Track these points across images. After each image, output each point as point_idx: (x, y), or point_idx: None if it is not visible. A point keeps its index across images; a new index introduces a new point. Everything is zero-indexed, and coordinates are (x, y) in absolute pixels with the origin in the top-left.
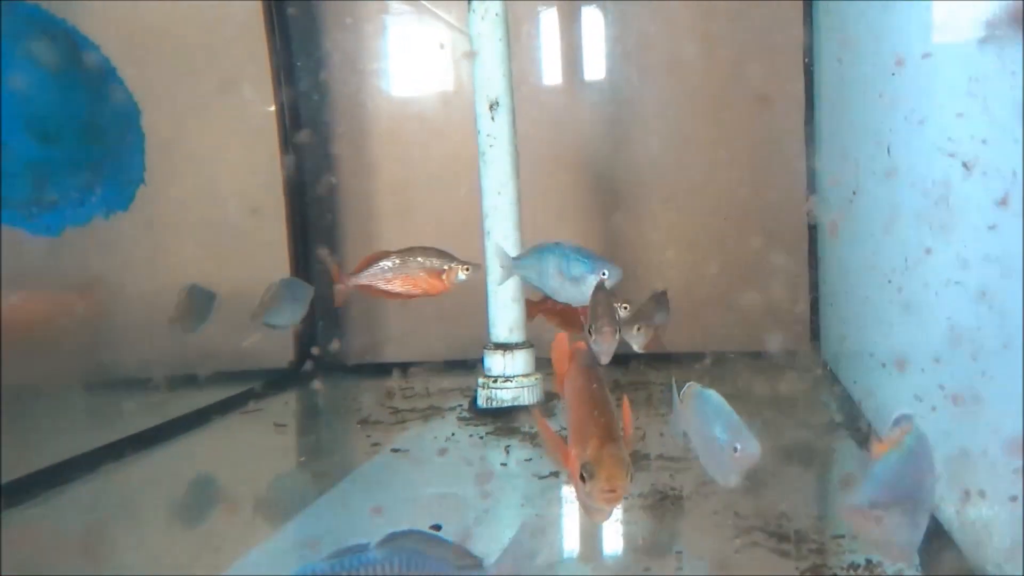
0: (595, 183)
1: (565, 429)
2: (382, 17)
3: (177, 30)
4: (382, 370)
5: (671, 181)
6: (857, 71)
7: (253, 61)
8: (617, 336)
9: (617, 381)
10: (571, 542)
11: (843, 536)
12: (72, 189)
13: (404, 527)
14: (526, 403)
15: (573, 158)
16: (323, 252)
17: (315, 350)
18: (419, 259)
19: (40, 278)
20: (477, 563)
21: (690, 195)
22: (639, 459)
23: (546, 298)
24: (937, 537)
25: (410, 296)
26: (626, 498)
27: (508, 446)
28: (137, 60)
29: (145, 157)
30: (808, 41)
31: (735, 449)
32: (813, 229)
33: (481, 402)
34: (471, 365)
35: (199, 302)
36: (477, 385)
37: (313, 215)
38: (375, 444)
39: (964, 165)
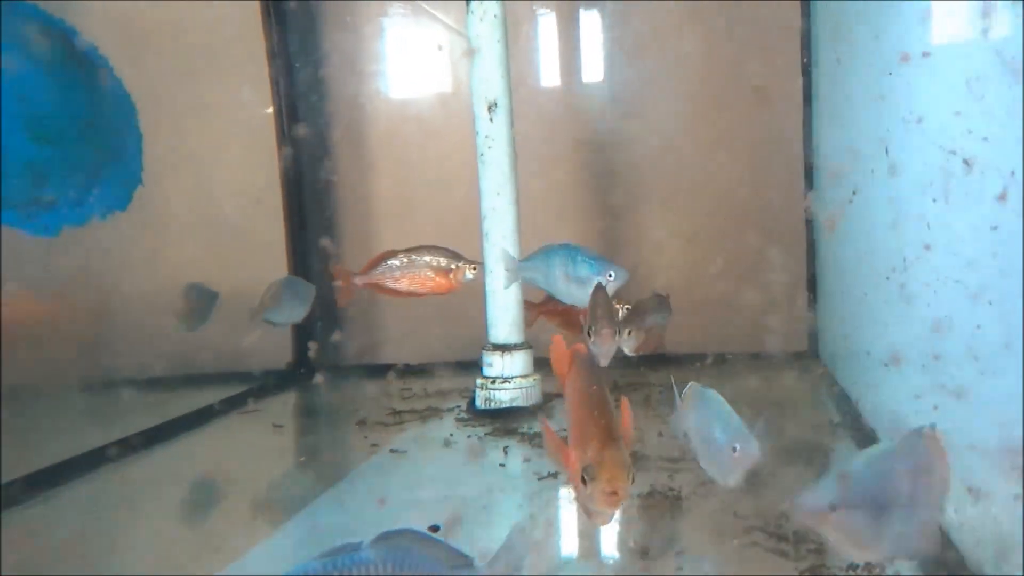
0: (593, 184)
1: (564, 430)
2: (380, 18)
3: (175, 30)
4: (381, 371)
5: (670, 181)
6: (856, 70)
7: (251, 62)
8: (617, 338)
9: (615, 382)
10: (569, 543)
11: None
12: (69, 189)
13: (398, 526)
14: (525, 404)
15: (571, 159)
16: (326, 242)
17: (312, 344)
18: (426, 258)
19: (38, 278)
20: (468, 563)
21: (689, 195)
22: (637, 460)
23: (547, 300)
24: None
25: (417, 295)
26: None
27: (507, 447)
28: (135, 60)
29: (143, 157)
30: (806, 39)
31: (734, 449)
32: (812, 229)
33: (479, 403)
34: (470, 366)
35: (200, 301)
36: (475, 386)
37: (311, 216)
38: (373, 445)
39: (965, 162)
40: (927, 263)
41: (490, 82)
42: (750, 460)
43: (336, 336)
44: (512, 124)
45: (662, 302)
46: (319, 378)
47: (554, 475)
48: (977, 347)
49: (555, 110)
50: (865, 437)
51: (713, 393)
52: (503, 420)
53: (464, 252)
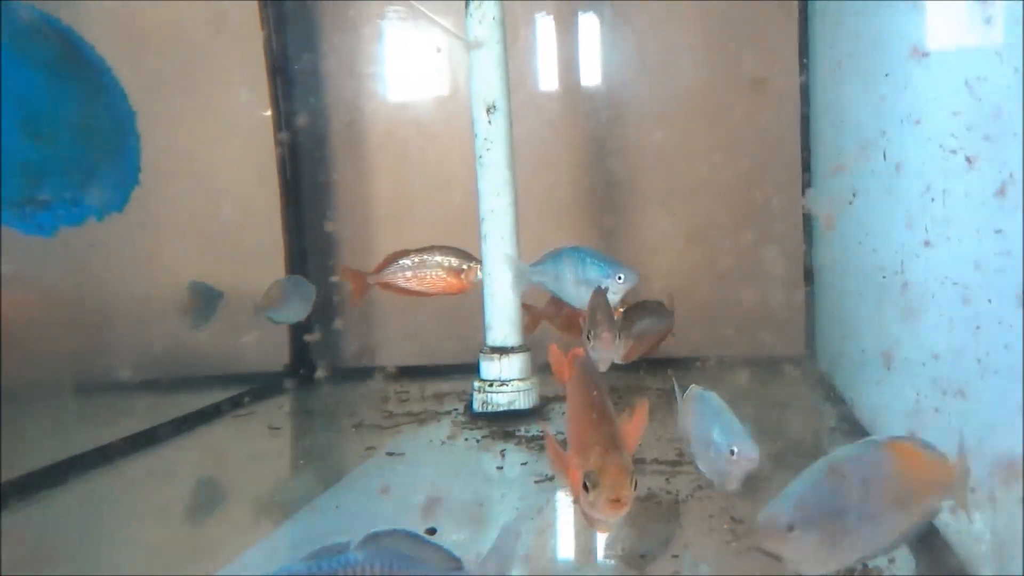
0: (592, 186)
1: (561, 433)
2: (379, 20)
3: (174, 32)
4: (378, 374)
5: (668, 183)
6: (854, 70)
7: (250, 63)
8: (617, 342)
9: (613, 386)
10: (567, 546)
11: None
12: (66, 189)
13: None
14: (522, 407)
15: (570, 161)
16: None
17: (309, 337)
18: (437, 258)
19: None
20: (458, 564)
21: (687, 197)
22: (635, 464)
23: (549, 304)
24: (932, 538)
25: (428, 295)
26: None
27: (504, 450)
28: (133, 61)
29: (140, 158)
30: (805, 40)
31: (732, 452)
32: (809, 231)
33: (477, 406)
34: (468, 369)
35: (202, 298)
36: (473, 389)
37: (309, 217)
38: (370, 448)
39: (967, 160)
40: (926, 264)
41: (489, 84)
42: (749, 463)
43: (334, 338)
44: (511, 126)
45: (656, 308)
46: (320, 373)
47: (551, 478)
48: (977, 348)
49: (554, 112)
50: (859, 438)
51: (713, 396)
52: (500, 423)
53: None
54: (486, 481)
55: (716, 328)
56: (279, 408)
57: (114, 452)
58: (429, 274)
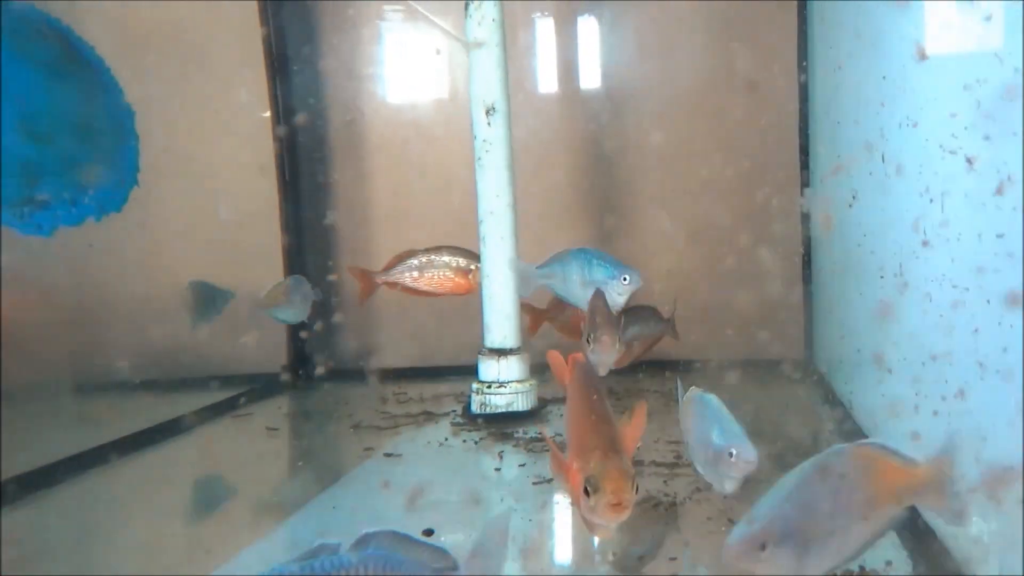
0: (591, 188)
1: (559, 434)
2: (378, 22)
3: (173, 33)
4: (376, 375)
5: (667, 186)
6: (853, 72)
7: (249, 64)
8: (617, 346)
9: (612, 389)
10: (564, 549)
11: None
12: (64, 189)
13: (377, 528)
14: (520, 409)
15: (569, 163)
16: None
17: (306, 334)
18: (445, 258)
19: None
20: (453, 564)
21: (686, 199)
22: (633, 465)
23: (552, 306)
24: (930, 541)
25: (436, 295)
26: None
27: (502, 451)
28: (133, 62)
29: (139, 158)
30: (804, 42)
31: (731, 454)
32: (809, 235)
33: (475, 408)
34: (466, 371)
35: (201, 298)
36: (471, 391)
37: (308, 217)
38: (368, 448)
39: (968, 160)
40: (925, 265)
41: (488, 86)
42: (747, 465)
43: (333, 339)
44: (510, 128)
45: (648, 314)
46: (320, 369)
47: (549, 480)
48: (975, 350)
49: (553, 113)
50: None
51: (712, 398)
52: (499, 425)
53: None
54: (484, 482)
55: (715, 330)
56: (277, 409)
57: (111, 452)
58: (436, 274)
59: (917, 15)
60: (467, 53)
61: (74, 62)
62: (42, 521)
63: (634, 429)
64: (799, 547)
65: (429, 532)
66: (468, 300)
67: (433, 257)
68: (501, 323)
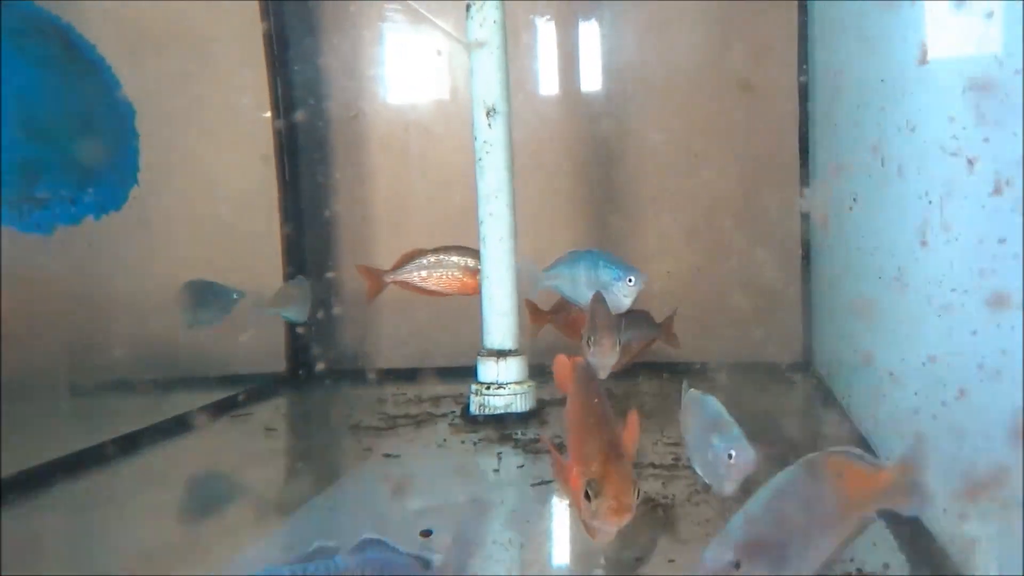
0: (590, 190)
1: (557, 437)
2: (380, 23)
3: (174, 31)
4: (375, 376)
5: (666, 190)
6: (854, 76)
7: (250, 64)
8: (617, 349)
9: (610, 391)
10: (562, 552)
11: None
12: (64, 187)
13: (376, 534)
14: (519, 410)
15: (568, 165)
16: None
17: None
18: (455, 258)
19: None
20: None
21: (685, 204)
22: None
23: (556, 308)
24: (927, 543)
25: (444, 294)
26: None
27: (500, 453)
28: (134, 60)
29: (139, 157)
30: (804, 44)
31: (730, 456)
32: (808, 238)
33: (474, 409)
34: (465, 372)
35: (198, 298)
36: (470, 392)
37: (308, 219)
38: (366, 449)
39: (969, 161)
40: (923, 268)
41: (489, 87)
42: (746, 467)
43: (332, 340)
44: (510, 129)
45: (640, 319)
46: (319, 368)
47: (547, 481)
48: (974, 352)
49: (553, 115)
50: (856, 444)
51: (711, 400)
52: (497, 426)
53: None
54: (482, 484)
55: (713, 332)
56: (276, 409)
57: (109, 451)
58: (445, 274)
59: (917, 16)
60: (468, 54)
61: (74, 60)
62: (38, 521)
63: (628, 438)
64: (773, 563)
65: (427, 533)
66: (467, 301)
67: (442, 257)
68: (500, 324)
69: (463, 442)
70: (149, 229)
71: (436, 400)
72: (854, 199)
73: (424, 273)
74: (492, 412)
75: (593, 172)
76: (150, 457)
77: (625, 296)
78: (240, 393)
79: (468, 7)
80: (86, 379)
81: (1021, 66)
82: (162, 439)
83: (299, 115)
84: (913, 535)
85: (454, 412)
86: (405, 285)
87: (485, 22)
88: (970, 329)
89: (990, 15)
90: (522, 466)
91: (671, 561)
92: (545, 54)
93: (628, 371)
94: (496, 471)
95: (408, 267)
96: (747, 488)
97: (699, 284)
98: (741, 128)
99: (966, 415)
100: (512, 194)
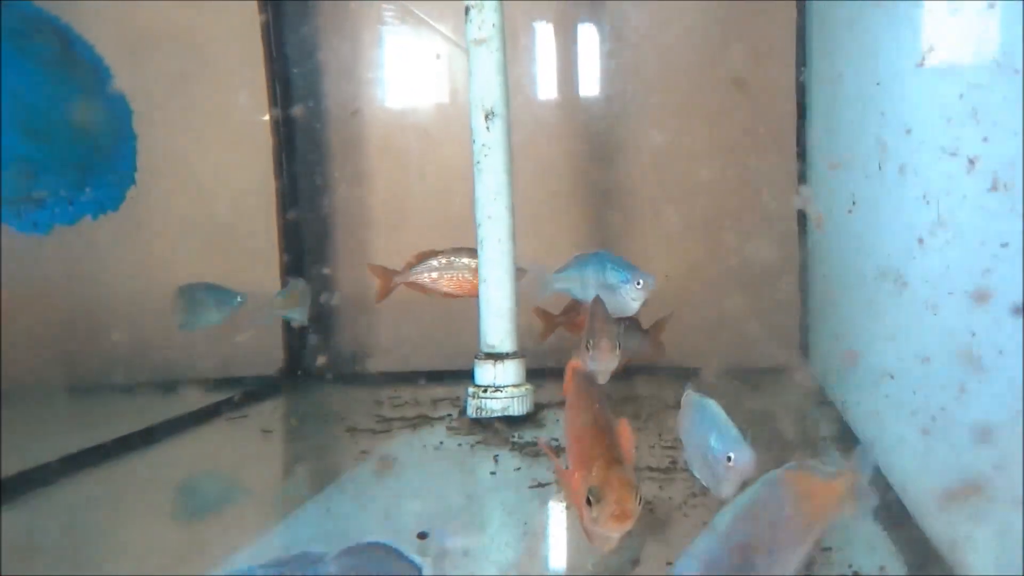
0: (589, 192)
1: (555, 440)
2: (379, 26)
3: (174, 33)
4: (372, 379)
5: (665, 190)
6: (853, 76)
7: (249, 67)
8: (616, 354)
9: (608, 394)
10: (559, 555)
11: (830, 548)
12: (61, 187)
13: (370, 538)
14: (516, 413)
15: (567, 167)
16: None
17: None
18: (465, 260)
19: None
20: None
21: (683, 208)
22: None
23: (565, 311)
24: (924, 545)
25: (454, 296)
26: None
27: (497, 455)
28: (132, 62)
29: (137, 158)
30: (803, 45)
31: (728, 458)
32: (805, 239)
33: (471, 412)
34: (462, 375)
35: (190, 301)
36: (467, 394)
37: (306, 221)
38: (363, 452)
39: (969, 161)
40: (922, 269)
41: (488, 90)
42: (745, 470)
43: (330, 342)
44: (509, 133)
45: (629, 325)
46: (316, 371)
47: (545, 484)
48: (973, 353)
49: (552, 118)
50: (852, 447)
51: (710, 402)
52: (494, 429)
53: None
54: (479, 486)
55: (710, 334)
56: (273, 411)
57: (105, 453)
58: (456, 276)
59: (917, 16)
60: (467, 57)
61: (73, 60)
62: (34, 522)
63: (622, 448)
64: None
65: (424, 535)
66: (466, 303)
67: (453, 259)
68: (498, 326)
69: (460, 445)
70: (146, 229)
71: (433, 403)
72: (853, 201)
73: (435, 275)
74: (489, 415)
75: (591, 174)
76: (146, 459)
77: (633, 299)
78: (236, 395)
79: (467, 9)
80: (82, 380)
81: (1021, 65)
82: (158, 441)
83: (298, 116)
84: (909, 537)
85: (451, 415)
86: (415, 286)
87: (484, 24)
88: (969, 330)
89: (989, 14)
90: (519, 469)
91: (669, 563)
92: (544, 57)
93: (624, 374)
94: (493, 474)
95: (419, 268)
96: (740, 491)
97: (697, 285)
98: (740, 129)
99: (965, 416)
100: (511, 197)
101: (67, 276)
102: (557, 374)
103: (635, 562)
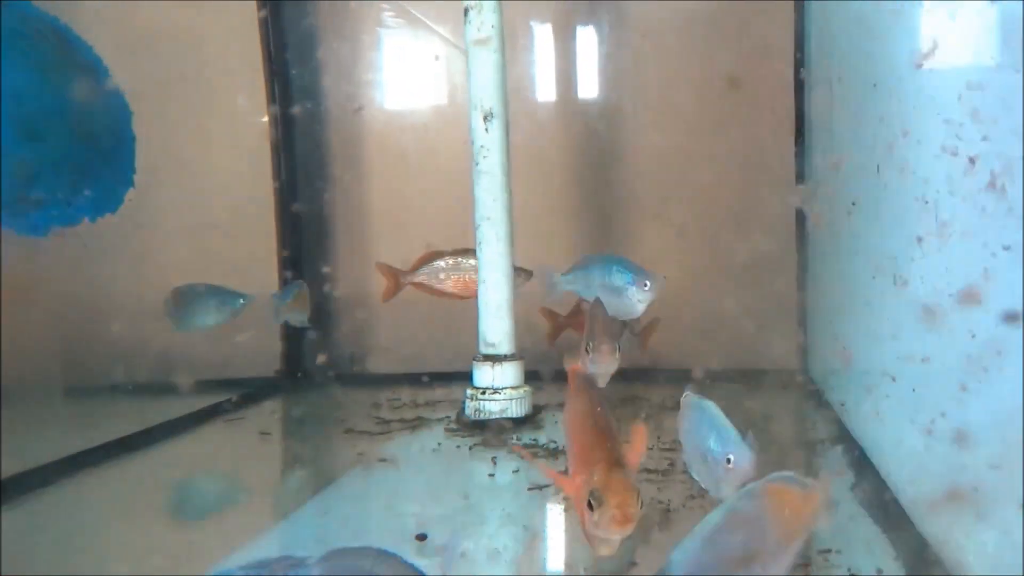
0: (587, 194)
1: (553, 441)
2: (378, 28)
3: (173, 34)
4: (370, 380)
5: (663, 195)
6: (851, 78)
7: (248, 68)
8: (616, 356)
9: (607, 396)
10: (556, 557)
11: (829, 551)
12: (59, 189)
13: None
14: (514, 415)
15: (566, 168)
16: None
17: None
18: (472, 261)
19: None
20: None
21: (682, 210)
22: None
23: (574, 313)
24: (921, 547)
25: (461, 297)
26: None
27: (495, 457)
28: (131, 62)
29: (135, 159)
30: (801, 47)
31: (728, 460)
32: (804, 242)
33: (469, 413)
34: (461, 376)
35: (184, 302)
36: (465, 396)
37: (304, 223)
38: (360, 453)
39: (969, 160)
40: (921, 271)
41: (487, 91)
42: (745, 471)
43: (328, 344)
44: (508, 134)
45: (623, 327)
46: (320, 358)
47: (543, 486)
48: (972, 355)
49: (551, 119)
50: (851, 451)
51: (710, 404)
52: (492, 431)
53: None
54: (477, 488)
55: (709, 335)
56: (270, 413)
57: (98, 456)
58: (464, 277)
59: (917, 14)
60: (466, 58)
61: (71, 61)
62: (31, 524)
63: (635, 452)
64: None
65: (422, 537)
66: (464, 305)
67: (460, 260)
68: (496, 328)
69: (458, 447)
70: (144, 231)
71: (431, 404)
72: (853, 203)
73: (442, 276)
74: (487, 417)
75: (590, 175)
76: (144, 461)
77: (640, 301)
78: (234, 397)
79: (466, 11)
80: (80, 381)
81: (1021, 64)
82: (156, 443)
83: (297, 118)
84: (908, 538)
85: (449, 417)
86: (422, 287)
87: (483, 26)
88: (968, 332)
89: (989, 14)
90: (517, 471)
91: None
92: (543, 58)
93: (622, 377)
94: (491, 476)
95: (426, 269)
96: None
97: (696, 286)
98: (738, 130)
99: (964, 418)
100: (509, 198)
101: (64, 277)
102: (558, 376)
103: (633, 564)
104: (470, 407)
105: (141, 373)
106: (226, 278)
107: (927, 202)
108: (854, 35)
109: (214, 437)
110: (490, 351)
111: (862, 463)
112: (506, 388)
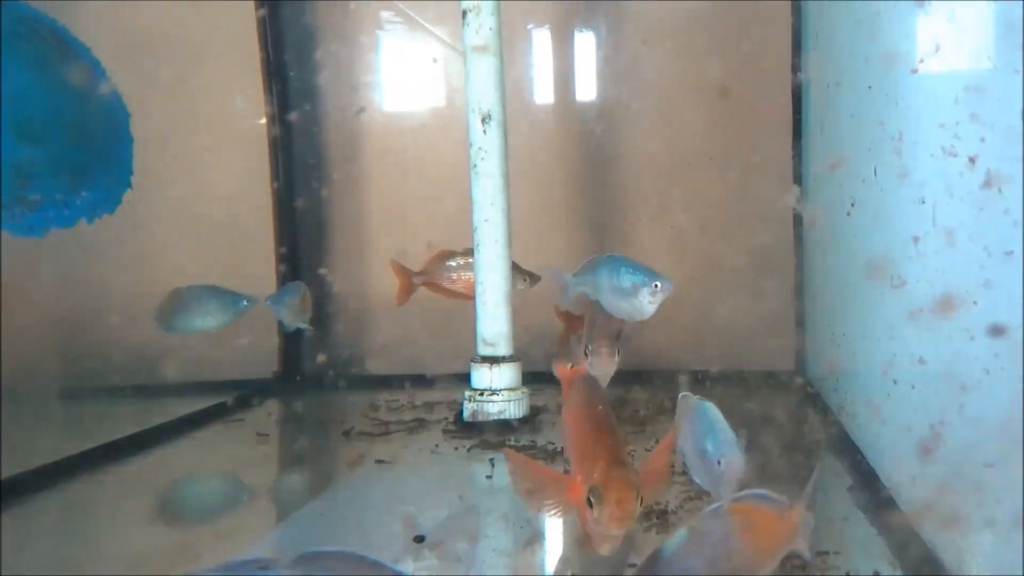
0: (585, 196)
1: (551, 443)
2: (376, 29)
3: (171, 36)
4: (368, 382)
5: (661, 197)
6: (849, 79)
7: (246, 70)
8: (616, 358)
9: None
10: (553, 558)
11: (827, 552)
12: (57, 190)
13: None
14: (512, 417)
15: (564, 171)
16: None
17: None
18: None
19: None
20: None
21: (679, 212)
22: None
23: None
24: (920, 549)
25: (470, 298)
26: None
27: (493, 459)
28: (130, 64)
29: (133, 161)
30: (798, 48)
31: (719, 463)
32: (801, 244)
33: (467, 415)
34: (459, 378)
35: (180, 304)
36: (463, 398)
37: (303, 225)
38: (359, 455)
39: (969, 160)
40: (920, 272)
41: (485, 94)
42: (736, 474)
43: (327, 345)
44: (506, 136)
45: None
46: (320, 358)
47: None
48: (971, 358)
49: (549, 122)
50: (849, 453)
51: (708, 405)
52: (491, 432)
53: None
54: (475, 490)
55: (707, 338)
56: (268, 415)
57: (95, 458)
58: (473, 277)
59: (915, 16)
60: (464, 61)
61: (69, 62)
62: (28, 526)
63: (661, 458)
64: None
65: (420, 539)
66: (463, 306)
67: (470, 260)
68: (494, 331)
69: (456, 448)
70: (142, 232)
71: (429, 406)
72: (852, 204)
73: (453, 276)
74: (486, 419)
75: (588, 178)
76: (141, 462)
77: (650, 303)
78: (232, 398)
79: (464, 14)
80: (78, 383)
81: (1021, 64)
82: (153, 444)
83: (294, 119)
84: (906, 540)
85: (447, 418)
86: (433, 286)
87: (481, 29)
88: (968, 335)
89: (988, 15)
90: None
91: None
92: (541, 61)
93: (620, 379)
94: (489, 477)
95: (438, 269)
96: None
97: (694, 288)
98: (736, 133)
99: (964, 421)
100: (507, 200)
101: (62, 279)
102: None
103: (632, 566)
104: (468, 409)
105: (139, 374)
106: (226, 277)
107: (924, 203)
108: (852, 37)
109: (212, 439)
110: (488, 352)
111: (860, 464)
112: (504, 389)
